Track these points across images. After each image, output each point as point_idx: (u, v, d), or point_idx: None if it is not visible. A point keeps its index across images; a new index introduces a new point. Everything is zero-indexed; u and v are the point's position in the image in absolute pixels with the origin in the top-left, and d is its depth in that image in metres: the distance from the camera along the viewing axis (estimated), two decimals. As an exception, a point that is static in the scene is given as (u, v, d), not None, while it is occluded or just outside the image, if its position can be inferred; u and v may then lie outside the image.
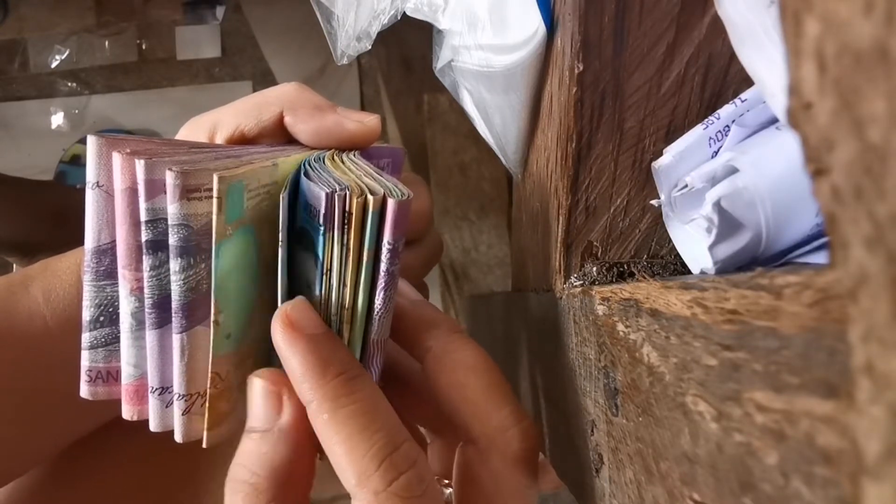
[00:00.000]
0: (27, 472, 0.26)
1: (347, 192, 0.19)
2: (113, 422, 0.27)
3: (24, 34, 1.10)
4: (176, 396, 0.21)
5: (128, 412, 0.22)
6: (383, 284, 0.20)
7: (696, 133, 0.21)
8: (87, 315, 0.21)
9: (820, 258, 0.19)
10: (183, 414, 0.21)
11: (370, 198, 0.19)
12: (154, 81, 1.08)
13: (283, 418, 0.20)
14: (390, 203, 0.19)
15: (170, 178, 0.18)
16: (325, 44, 0.29)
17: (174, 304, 0.20)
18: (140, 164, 0.19)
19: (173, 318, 0.20)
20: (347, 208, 0.19)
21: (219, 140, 0.24)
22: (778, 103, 0.17)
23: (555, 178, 0.26)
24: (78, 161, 1.04)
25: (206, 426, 0.21)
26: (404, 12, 0.28)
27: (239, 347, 0.21)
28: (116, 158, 0.19)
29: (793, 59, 0.09)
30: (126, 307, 0.20)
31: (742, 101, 0.21)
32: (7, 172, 0.80)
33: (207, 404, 0.21)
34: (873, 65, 0.08)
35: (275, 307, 0.21)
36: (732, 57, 0.22)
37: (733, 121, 0.20)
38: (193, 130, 0.25)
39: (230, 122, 0.24)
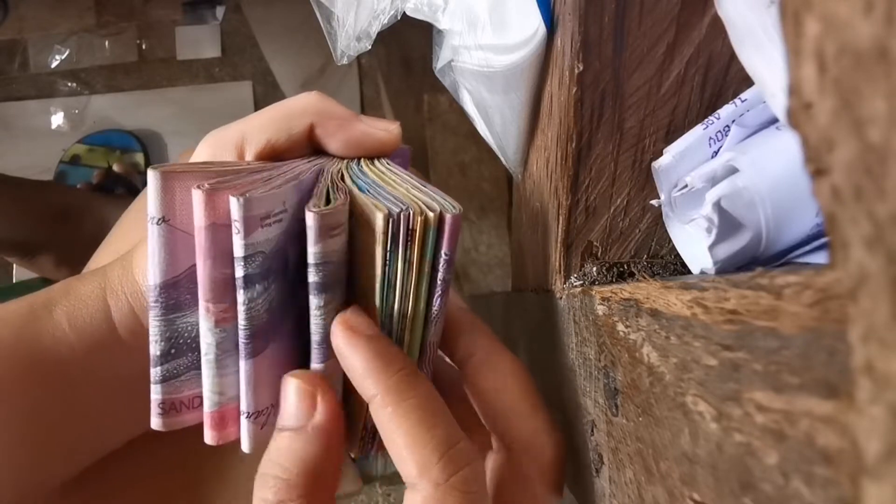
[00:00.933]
0: (45, 491, 0.26)
1: (411, 213, 0.20)
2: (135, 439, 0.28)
3: (24, 34, 1.10)
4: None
5: (212, 438, 0.22)
6: (440, 292, 0.21)
7: (696, 133, 0.21)
8: (156, 350, 0.21)
9: (820, 258, 0.19)
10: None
11: (430, 215, 0.20)
12: (154, 81, 1.08)
13: (316, 417, 0.20)
14: (448, 218, 0.20)
15: (311, 221, 0.19)
16: (325, 44, 0.29)
17: (316, 338, 0.21)
18: (237, 203, 0.19)
19: (316, 349, 0.21)
20: (410, 226, 0.20)
21: (248, 155, 0.24)
22: (778, 103, 0.17)
23: (555, 178, 0.26)
24: (78, 161, 1.04)
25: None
26: (404, 12, 0.28)
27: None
28: (198, 196, 0.19)
29: (793, 59, 0.09)
30: (210, 339, 0.21)
31: (742, 101, 0.21)
32: (7, 172, 0.80)
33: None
34: (873, 65, 0.08)
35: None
36: (732, 57, 0.22)
37: (733, 121, 0.20)
38: (218, 147, 0.24)
39: (259, 136, 0.24)
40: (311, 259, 0.20)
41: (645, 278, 0.23)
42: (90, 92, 1.09)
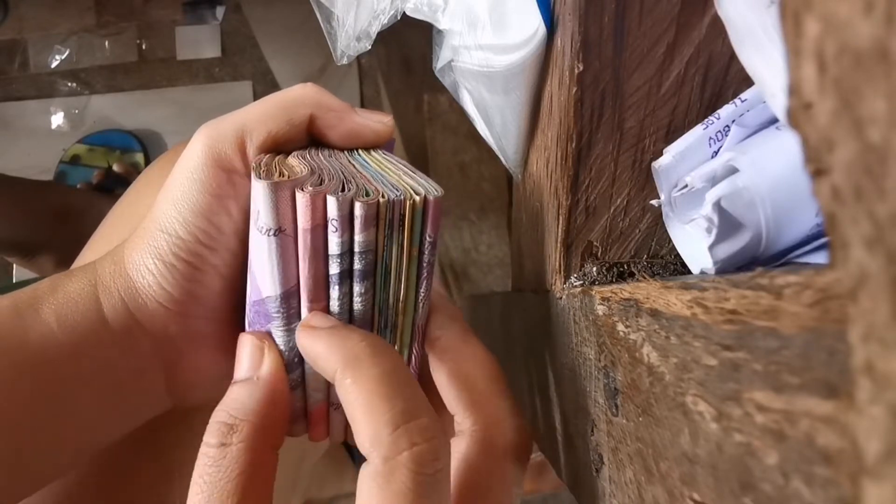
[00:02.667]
0: (40, 489, 0.26)
1: (403, 198, 0.20)
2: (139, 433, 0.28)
3: (24, 34, 1.10)
4: (333, 407, 0.23)
5: (317, 434, 0.23)
6: (426, 274, 0.22)
7: (696, 133, 0.21)
8: (286, 359, 0.22)
9: (820, 258, 0.19)
10: (343, 419, 0.24)
11: (417, 198, 0.20)
12: (154, 81, 1.08)
13: (263, 368, 0.21)
14: (431, 201, 0.21)
15: (359, 210, 0.20)
16: (324, 44, 0.29)
17: (357, 324, 0.22)
18: (336, 202, 0.19)
19: None
20: (401, 211, 0.20)
21: (250, 147, 0.24)
22: (778, 103, 0.17)
23: (555, 178, 0.26)
24: (78, 161, 1.04)
25: None
26: (404, 12, 0.28)
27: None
28: (303, 198, 0.19)
29: (793, 59, 0.09)
30: None
31: (742, 101, 0.21)
32: (7, 172, 0.80)
33: None
34: (873, 65, 0.08)
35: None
36: (732, 57, 0.22)
37: (733, 121, 0.20)
38: (216, 140, 0.24)
39: (260, 127, 0.24)
40: (356, 248, 0.20)
41: (645, 278, 0.23)
42: (90, 92, 1.09)
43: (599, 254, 0.26)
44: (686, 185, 0.21)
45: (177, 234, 0.23)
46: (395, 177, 0.22)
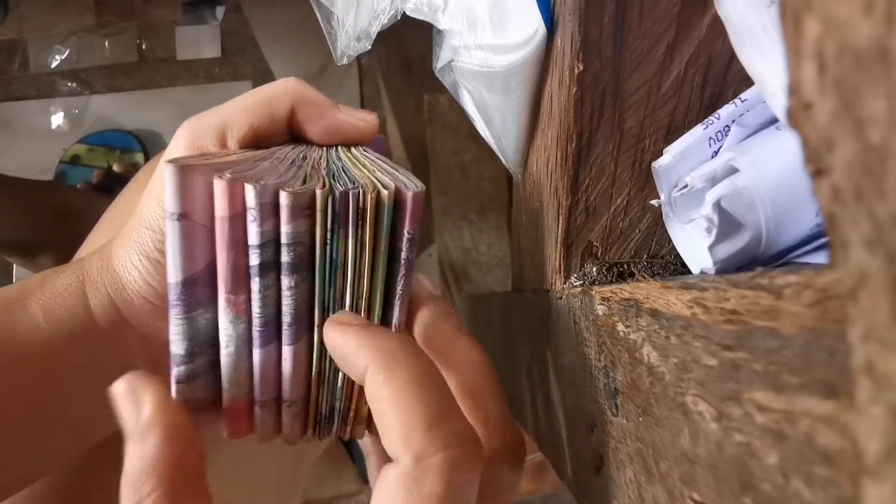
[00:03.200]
0: (29, 485, 0.26)
1: (361, 191, 0.20)
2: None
3: (24, 34, 1.10)
4: (286, 404, 0.22)
5: (232, 432, 0.22)
6: (404, 272, 0.21)
7: (696, 133, 0.21)
8: (180, 349, 0.21)
9: (820, 258, 0.19)
10: (294, 419, 0.23)
11: (384, 192, 0.20)
12: (154, 81, 1.08)
13: (143, 413, 0.19)
14: (408, 196, 0.20)
15: (284, 200, 0.19)
16: (325, 44, 0.29)
17: (287, 319, 0.21)
18: (254, 190, 0.19)
19: (285, 332, 0.21)
20: (361, 205, 0.20)
21: (231, 141, 0.24)
22: (778, 103, 0.17)
23: (555, 178, 0.26)
24: (78, 161, 1.04)
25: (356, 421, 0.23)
26: (404, 12, 0.28)
27: None
28: (219, 186, 0.19)
29: (793, 59, 0.09)
30: (233, 331, 0.21)
31: (742, 101, 0.21)
32: (7, 172, 0.80)
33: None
34: (873, 65, 0.08)
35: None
36: (732, 57, 0.22)
37: (733, 121, 0.20)
38: (197, 136, 0.24)
39: (241, 122, 0.24)
40: (283, 239, 0.20)
41: (645, 278, 0.23)
42: (90, 92, 1.09)
43: (599, 254, 0.26)
44: (686, 185, 0.21)
45: (160, 231, 0.22)
46: (364, 172, 0.22)
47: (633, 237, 0.25)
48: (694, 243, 0.22)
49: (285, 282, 0.20)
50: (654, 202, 0.24)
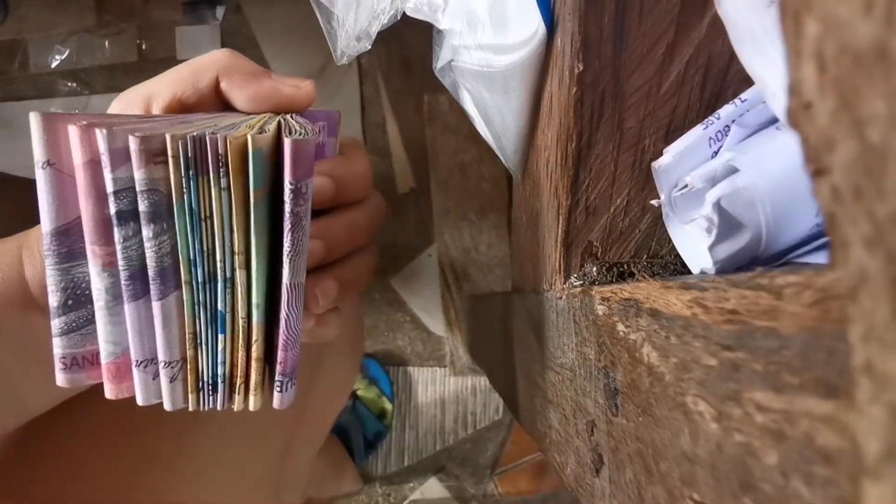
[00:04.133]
0: None
1: (219, 136, 0.19)
2: (84, 393, 0.27)
3: (24, 34, 1.10)
4: (161, 365, 0.21)
5: (111, 391, 0.21)
6: (290, 226, 0.20)
7: (696, 133, 0.21)
8: (54, 300, 0.20)
9: (820, 258, 0.19)
10: (171, 381, 0.21)
11: (249, 138, 0.19)
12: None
13: None
14: (286, 143, 0.19)
15: (133, 144, 0.18)
16: (325, 44, 0.29)
17: (151, 272, 0.20)
18: (101, 134, 0.18)
19: (151, 286, 0.20)
20: (220, 151, 0.19)
21: (155, 110, 0.24)
22: (778, 103, 0.17)
23: (555, 178, 0.26)
24: (78, 161, 1.04)
25: (251, 389, 0.22)
26: (404, 12, 0.28)
27: (265, 319, 0.21)
28: (73, 132, 0.18)
29: (793, 60, 0.09)
30: (100, 284, 0.20)
31: (742, 101, 0.21)
32: (7, 172, 0.80)
33: (190, 368, 0.21)
34: (873, 65, 0.08)
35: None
36: (732, 57, 0.22)
37: (733, 121, 0.20)
38: (126, 104, 0.24)
39: (165, 91, 0.24)
40: (137, 185, 0.19)
41: (645, 278, 0.23)
42: (90, 92, 1.09)
43: (599, 254, 0.26)
44: (686, 185, 0.21)
45: None
46: (251, 122, 0.21)
47: (633, 237, 0.25)
48: (694, 243, 0.22)
49: (145, 231, 0.19)
50: (654, 202, 0.24)
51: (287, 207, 0.20)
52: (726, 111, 0.21)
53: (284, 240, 0.20)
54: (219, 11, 1.08)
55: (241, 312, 0.21)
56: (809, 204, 0.18)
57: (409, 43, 0.93)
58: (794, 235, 0.19)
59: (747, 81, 0.22)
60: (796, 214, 0.18)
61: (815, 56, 0.09)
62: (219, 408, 0.22)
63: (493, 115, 0.29)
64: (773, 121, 0.20)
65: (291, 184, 0.19)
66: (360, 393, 0.90)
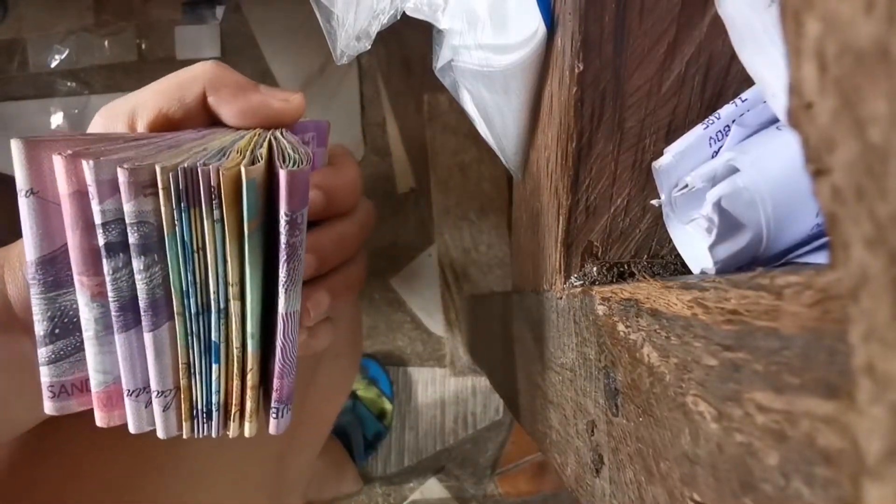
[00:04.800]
0: None
1: (211, 167, 0.18)
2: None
3: (23, 34, 1.10)
4: (154, 394, 0.21)
5: (102, 419, 0.21)
6: (285, 257, 0.19)
7: (696, 133, 0.21)
8: (40, 329, 0.20)
9: (821, 258, 0.19)
10: (164, 410, 0.21)
11: (241, 170, 0.18)
12: (154, 81, 1.08)
13: None
14: (282, 174, 0.18)
15: (122, 177, 0.18)
16: (324, 44, 0.29)
17: (142, 304, 0.19)
18: (88, 166, 0.18)
19: (143, 318, 0.20)
20: (213, 183, 0.18)
21: (140, 126, 0.23)
22: (778, 103, 0.17)
23: (555, 178, 0.26)
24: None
25: (246, 417, 0.22)
26: (404, 12, 0.28)
27: (260, 348, 0.21)
28: (59, 163, 0.18)
29: (793, 59, 0.09)
30: (89, 314, 0.20)
31: (742, 101, 0.21)
32: (7, 172, 0.80)
33: (184, 395, 0.21)
34: (874, 65, 0.08)
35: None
36: (733, 57, 0.22)
37: (734, 121, 0.20)
38: (110, 119, 0.23)
39: (150, 106, 0.23)
40: (127, 218, 0.18)
41: (645, 278, 0.23)
42: (90, 92, 1.09)
43: (600, 254, 0.26)
44: (686, 185, 0.21)
45: None
46: (240, 145, 0.20)
47: (633, 237, 0.25)
48: (694, 243, 0.22)
49: (135, 264, 0.19)
50: (654, 202, 0.24)
51: (283, 239, 0.19)
52: (727, 111, 0.21)
53: (280, 271, 0.20)
54: (218, 11, 1.08)
55: (235, 342, 0.21)
56: (810, 204, 0.18)
57: (409, 43, 0.93)
58: (794, 235, 0.19)
59: (748, 81, 0.22)
60: (797, 214, 0.18)
61: (816, 55, 0.09)
62: (213, 435, 0.22)
63: (494, 115, 0.29)
64: (774, 121, 0.20)
65: (287, 215, 0.19)
66: (359, 393, 0.90)
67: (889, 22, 0.07)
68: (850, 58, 0.08)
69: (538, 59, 0.26)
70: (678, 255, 0.25)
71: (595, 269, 0.26)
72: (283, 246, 0.19)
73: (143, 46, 1.10)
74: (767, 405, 0.11)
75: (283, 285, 0.20)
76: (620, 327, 0.19)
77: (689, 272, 0.23)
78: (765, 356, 0.11)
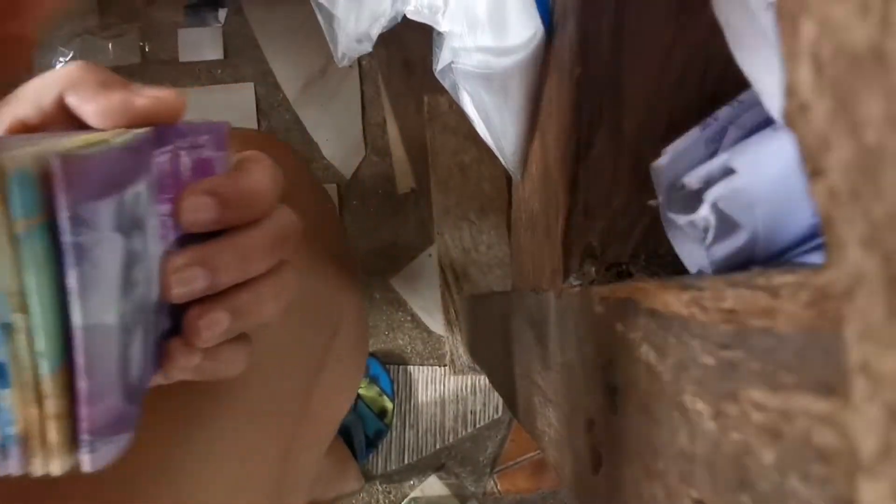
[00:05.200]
0: None
1: None
2: None
3: (24, 35, 1.10)
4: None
5: None
6: (73, 260, 0.17)
7: (693, 134, 0.21)
8: None
9: (817, 258, 0.19)
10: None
11: (3, 158, 0.16)
12: (157, 83, 1.07)
13: None
14: (55, 161, 0.16)
15: None
16: (326, 45, 0.29)
17: None
18: None
19: None
20: None
21: None
22: (775, 105, 0.17)
23: (554, 178, 0.26)
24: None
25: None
26: (404, 15, 0.28)
27: (63, 370, 0.19)
28: None
29: (789, 61, 0.09)
30: None
31: (739, 103, 0.21)
32: None
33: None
34: (869, 67, 0.08)
35: None
36: (730, 59, 0.22)
37: (731, 122, 0.21)
38: None
39: (8, 112, 0.22)
40: None
41: (643, 278, 0.23)
42: (91, 92, 1.09)
43: (598, 254, 0.26)
44: (684, 186, 0.21)
45: None
46: (53, 144, 0.18)
47: (631, 237, 0.26)
48: (691, 244, 0.23)
49: None
50: (652, 203, 0.24)
51: (67, 238, 0.17)
52: (724, 113, 0.21)
53: (68, 277, 0.17)
54: (220, 13, 1.08)
55: (24, 363, 0.18)
56: (806, 204, 0.18)
57: (410, 44, 0.93)
58: (790, 236, 0.19)
59: (745, 83, 0.22)
60: (793, 215, 0.18)
61: (812, 58, 0.09)
62: (15, 473, 0.19)
63: (493, 116, 0.29)
64: (770, 122, 0.20)
65: (68, 209, 0.17)
66: (360, 391, 0.90)
67: (883, 24, 0.07)
68: (845, 60, 0.08)
69: (537, 62, 0.26)
70: (676, 256, 0.25)
71: (594, 268, 0.26)
72: (68, 247, 0.17)
73: (147, 49, 1.10)
74: (764, 403, 0.12)
75: (75, 292, 0.18)
76: (619, 327, 0.19)
77: (687, 272, 0.23)
78: (761, 355, 0.12)
